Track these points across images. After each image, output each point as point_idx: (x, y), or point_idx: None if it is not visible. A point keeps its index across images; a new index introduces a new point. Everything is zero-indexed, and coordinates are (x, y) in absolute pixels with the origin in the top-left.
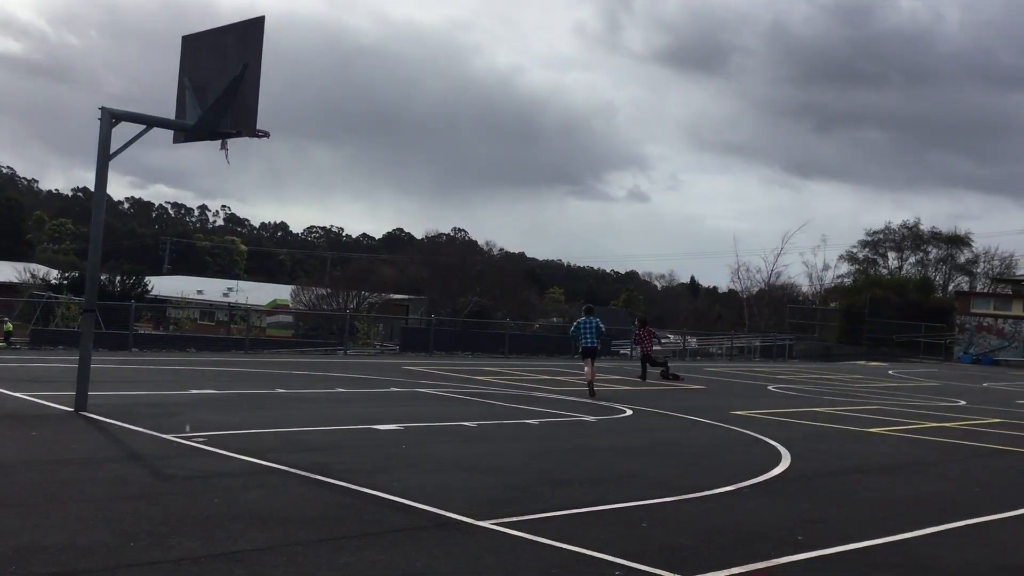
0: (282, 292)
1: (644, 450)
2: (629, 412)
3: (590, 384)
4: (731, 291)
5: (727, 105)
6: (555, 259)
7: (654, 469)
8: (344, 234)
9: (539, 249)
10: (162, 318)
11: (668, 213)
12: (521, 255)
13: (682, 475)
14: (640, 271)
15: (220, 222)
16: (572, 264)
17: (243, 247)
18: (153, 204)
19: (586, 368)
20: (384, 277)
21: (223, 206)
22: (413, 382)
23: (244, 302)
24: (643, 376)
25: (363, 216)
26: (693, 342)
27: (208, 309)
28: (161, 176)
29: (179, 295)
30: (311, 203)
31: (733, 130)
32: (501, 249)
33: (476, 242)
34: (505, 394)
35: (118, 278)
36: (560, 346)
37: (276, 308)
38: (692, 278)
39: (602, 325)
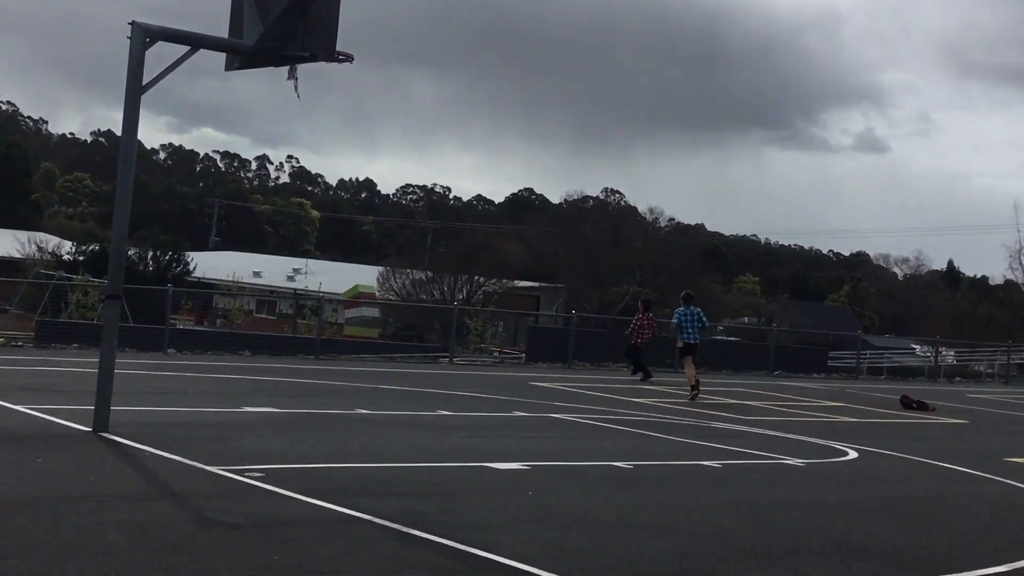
0: (366, 275)
1: (876, 510)
2: (853, 454)
3: (694, 387)
4: (1009, 283)
5: (1007, 11)
6: (747, 234)
7: (891, 537)
8: (452, 197)
9: (725, 220)
10: (207, 309)
11: (915, 169)
12: (699, 228)
13: (932, 547)
14: (872, 253)
15: (285, 179)
16: (772, 242)
17: (315, 213)
18: (197, 154)
19: (687, 368)
20: (506, 257)
21: (289, 157)
22: (544, 404)
23: (315, 289)
24: (644, 374)
25: (477, 172)
26: (950, 356)
27: (268, 297)
28: (208, 117)
29: (230, 278)
30: (407, 154)
31: (1016, 48)
32: (671, 220)
33: (635, 209)
34: (672, 423)
35: (151, 254)
36: (753, 356)
37: (358, 298)
38: (950, 263)
39: (705, 318)
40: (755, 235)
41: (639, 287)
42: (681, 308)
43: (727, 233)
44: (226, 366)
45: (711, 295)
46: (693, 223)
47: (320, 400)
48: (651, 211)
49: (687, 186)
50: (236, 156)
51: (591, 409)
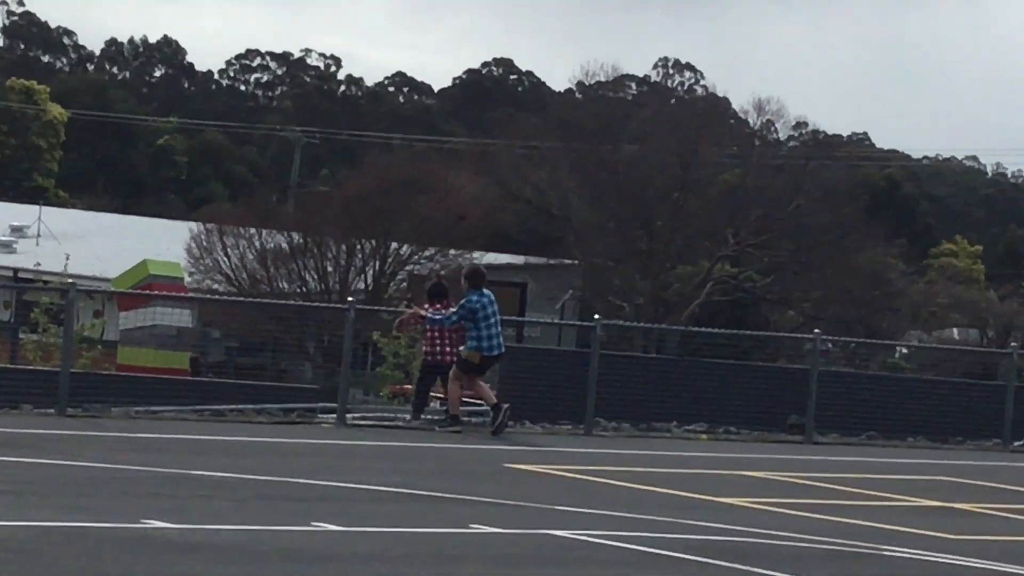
0: (163, 242)
1: None
2: None
3: (456, 417)
4: None
5: None
6: (957, 156)
7: None
8: (343, 78)
9: (911, 130)
10: None
11: None
12: (859, 143)
13: None
14: None
15: None
16: (1012, 172)
17: (56, 111)
18: None
19: (452, 388)
20: (457, 202)
21: None
22: (532, 509)
23: (57, 271)
24: (418, 412)
25: (397, 27)
26: None
27: None
28: None
29: None
30: None
31: None
32: (801, 127)
33: (725, 103)
34: (798, 549)
35: None
36: (970, 411)
37: (148, 288)
38: None
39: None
40: (974, 158)
41: (732, 263)
42: (475, 295)
43: (916, 155)
44: None
45: (881, 281)
46: (846, 134)
47: (70, 501)
48: (759, 108)
49: (831, 59)
50: None
51: (629, 519)
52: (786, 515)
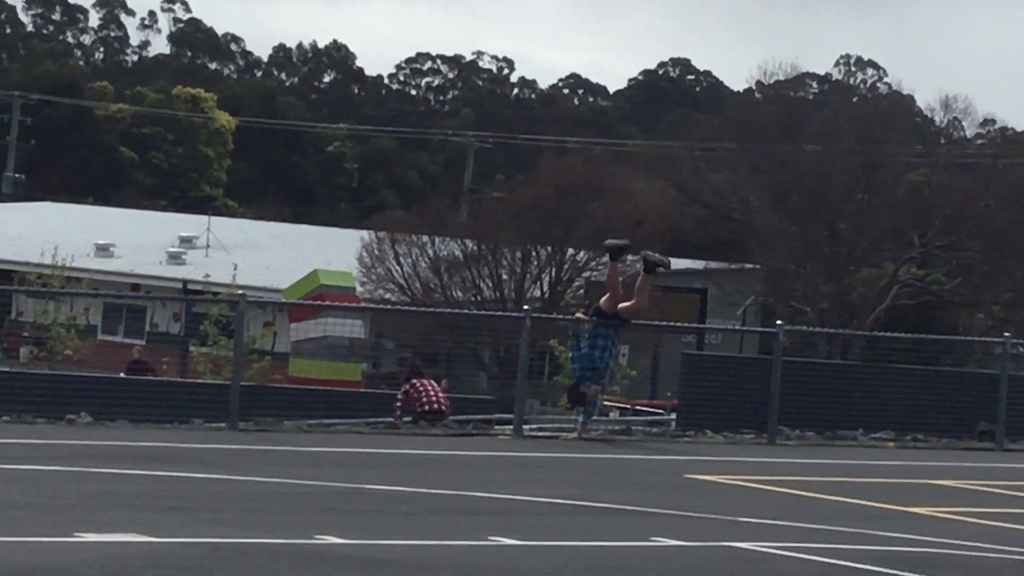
0: (336, 252)
1: None
2: None
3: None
4: None
5: None
6: None
7: None
8: (516, 81)
9: None
10: None
11: None
12: None
13: None
14: None
15: (161, 47)
16: None
17: (225, 119)
18: None
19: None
20: (635, 207)
21: (169, 2)
22: (716, 521)
23: (226, 282)
24: None
25: (569, 29)
26: None
27: (127, 300)
28: None
29: (47, 260)
30: None
31: None
32: (988, 124)
33: (909, 101)
34: (998, 560)
35: None
36: None
37: (319, 298)
38: None
39: None
40: None
41: (918, 266)
42: None
43: None
44: (42, 447)
45: None
46: None
47: (241, 517)
48: (945, 105)
49: (1019, 53)
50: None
51: (815, 530)
52: (977, 525)
